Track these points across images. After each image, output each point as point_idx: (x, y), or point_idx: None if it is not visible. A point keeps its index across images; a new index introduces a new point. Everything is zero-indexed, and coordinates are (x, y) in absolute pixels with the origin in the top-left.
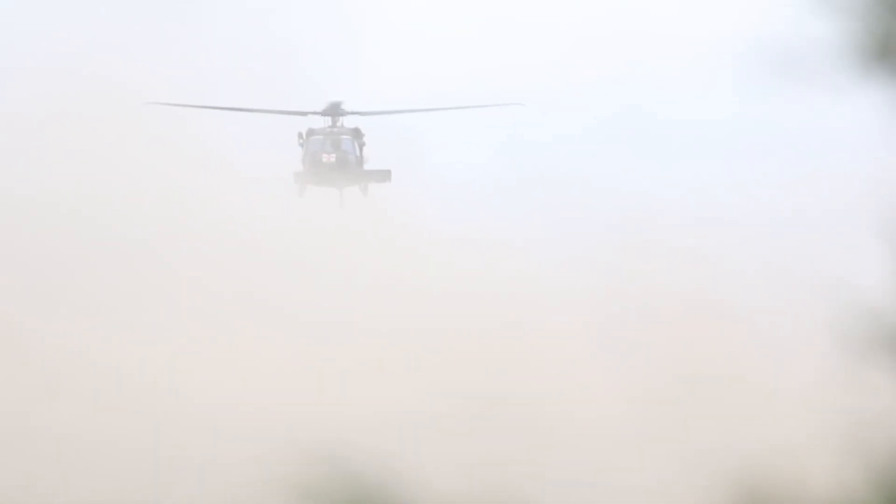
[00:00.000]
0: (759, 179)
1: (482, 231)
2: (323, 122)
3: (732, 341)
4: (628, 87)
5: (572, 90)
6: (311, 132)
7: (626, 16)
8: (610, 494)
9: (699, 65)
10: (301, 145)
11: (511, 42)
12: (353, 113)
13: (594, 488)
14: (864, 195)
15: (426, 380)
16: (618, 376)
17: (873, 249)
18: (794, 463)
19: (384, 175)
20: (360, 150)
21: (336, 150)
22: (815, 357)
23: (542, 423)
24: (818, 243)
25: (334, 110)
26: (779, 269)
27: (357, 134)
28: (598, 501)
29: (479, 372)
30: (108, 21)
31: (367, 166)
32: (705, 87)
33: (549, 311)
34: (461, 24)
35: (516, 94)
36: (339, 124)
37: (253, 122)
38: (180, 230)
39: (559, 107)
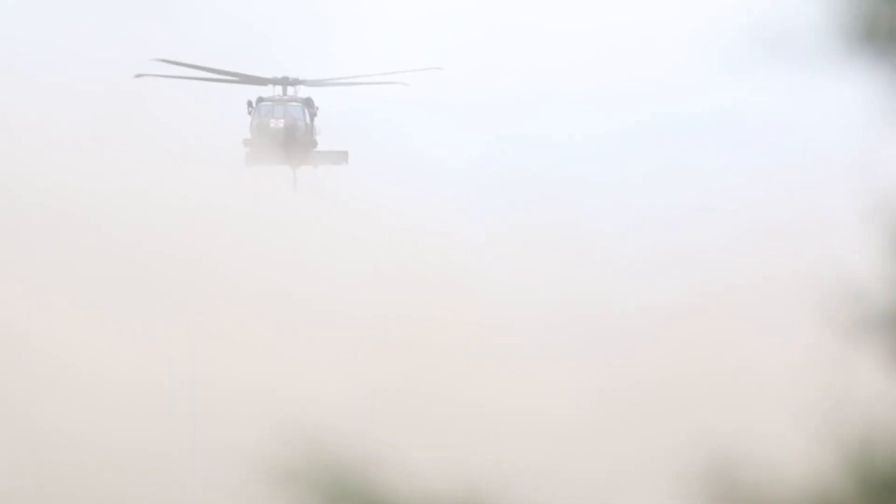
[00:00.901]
0: (740, 164)
1: (441, 222)
2: (274, 92)
3: (714, 328)
4: (607, 79)
5: (550, 82)
6: (260, 100)
7: (605, 8)
8: (586, 485)
9: (679, 52)
10: (250, 114)
11: (487, 32)
12: (302, 82)
13: (570, 480)
14: (848, 178)
15: (376, 370)
16: (593, 369)
17: (858, 231)
18: (773, 450)
19: (340, 156)
20: (311, 119)
21: (284, 115)
22: (799, 341)
23: (511, 417)
24: (801, 226)
25: (286, 80)
26: (761, 253)
27: (309, 103)
28: (575, 493)
29: (433, 364)
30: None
31: (323, 145)
32: (683, 74)
33: (510, 305)
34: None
35: (484, 84)
36: (290, 93)
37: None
38: (128, 211)
39: (533, 101)
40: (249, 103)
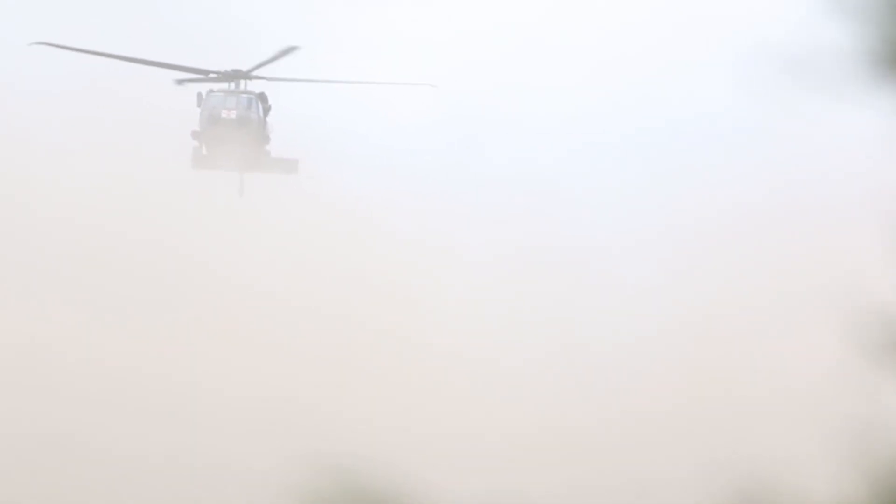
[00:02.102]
0: (768, 186)
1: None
2: (226, 87)
3: (739, 349)
4: (614, 88)
5: (543, 83)
6: (211, 91)
7: (630, 16)
8: None
9: (700, 69)
10: (200, 106)
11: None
12: (257, 77)
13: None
14: (875, 200)
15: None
16: (618, 385)
17: (883, 254)
18: (799, 472)
19: (291, 165)
20: (265, 113)
21: (237, 106)
22: (824, 364)
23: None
24: (827, 248)
25: (238, 73)
26: (787, 274)
27: (262, 98)
28: None
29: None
30: None
31: (275, 151)
32: (706, 92)
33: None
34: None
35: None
36: (242, 86)
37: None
38: (79, 211)
39: (520, 101)
40: (199, 95)
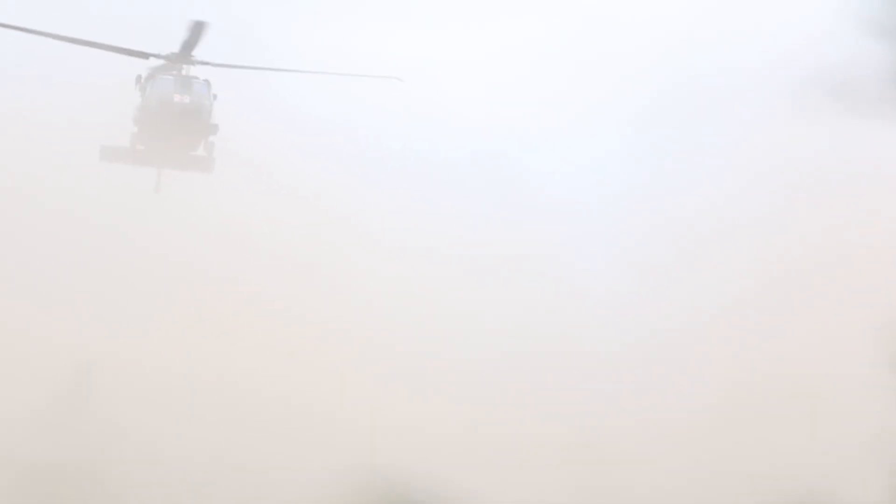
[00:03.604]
0: (811, 199)
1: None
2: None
3: (780, 354)
4: (602, 90)
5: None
6: (154, 74)
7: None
8: None
9: (747, 92)
10: (139, 90)
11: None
12: (200, 62)
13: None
14: None
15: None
16: (657, 393)
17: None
18: (843, 479)
19: (207, 163)
20: (212, 102)
21: (190, 91)
22: (865, 369)
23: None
24: (868, 258)
25: (180, 56)
26: (828, 282)
27: (209, 84)
28: None
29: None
30: None
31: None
32: (754, 114)
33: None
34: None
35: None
36: (185, 72)
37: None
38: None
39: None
40: (139, 78)
